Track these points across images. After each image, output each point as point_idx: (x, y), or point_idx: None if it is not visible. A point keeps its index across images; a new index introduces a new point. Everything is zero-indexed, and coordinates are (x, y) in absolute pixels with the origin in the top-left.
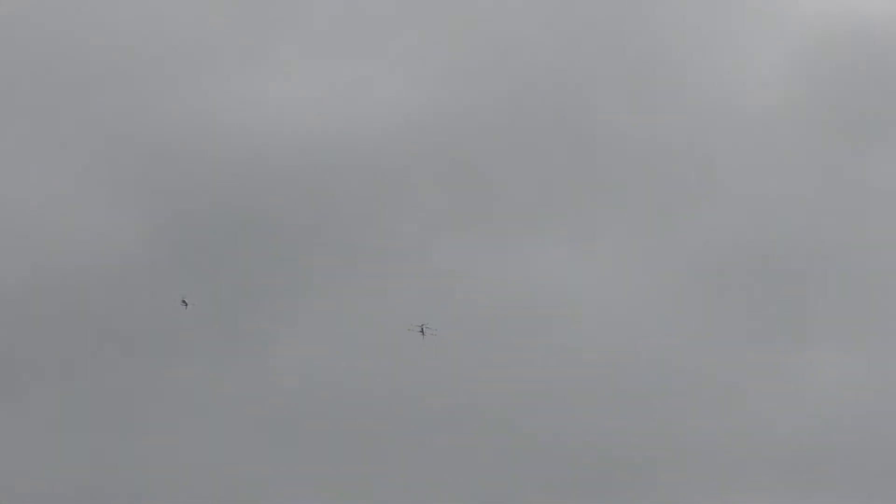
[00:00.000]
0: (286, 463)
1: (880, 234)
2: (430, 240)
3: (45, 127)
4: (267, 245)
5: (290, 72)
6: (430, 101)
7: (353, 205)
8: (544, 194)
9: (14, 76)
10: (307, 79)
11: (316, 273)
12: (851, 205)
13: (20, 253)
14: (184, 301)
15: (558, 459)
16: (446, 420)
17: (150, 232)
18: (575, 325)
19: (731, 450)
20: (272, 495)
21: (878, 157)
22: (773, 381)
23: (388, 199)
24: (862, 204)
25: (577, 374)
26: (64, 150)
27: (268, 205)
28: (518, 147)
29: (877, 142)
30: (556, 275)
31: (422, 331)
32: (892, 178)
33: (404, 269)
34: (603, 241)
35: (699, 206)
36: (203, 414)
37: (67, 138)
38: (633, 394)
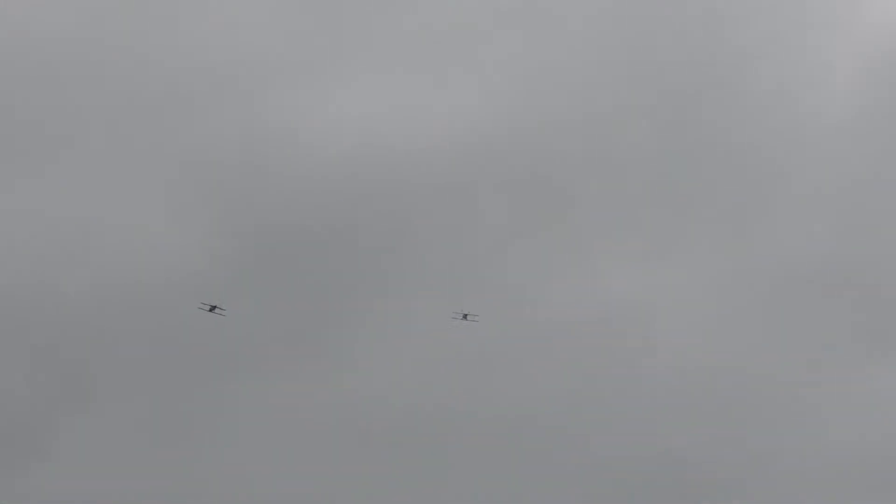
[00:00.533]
0: (358, 471)
1: None
2: (503, 251)
3: (121, 144)
4: (339, 258)
5: (363, 87)
6: (505, 115)
7: (427, 217)
8: (619, 207)
9: (90, 94)
10: (380, 93)
11: (389, 284)
12: None
13: (98, 268)
14: (212, 307)
15: (630, 471)
16: (519, 432)
17: (223, 246)
18: (649, 337)
19: (806, 460)
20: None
21: None
22: (849, 392)
23: (461, 211)
24: None
25: (651, 386)
26: (140, 166)
27: (340, 218)
28: (593, 160)
29: None
30: (630, 287)
31: (465, 317)
32: None
33: (478, 281)
34: (677, 253)
35: (775, 217)
36: (279, 425)
37: (144, 155)
38: (706, 405)
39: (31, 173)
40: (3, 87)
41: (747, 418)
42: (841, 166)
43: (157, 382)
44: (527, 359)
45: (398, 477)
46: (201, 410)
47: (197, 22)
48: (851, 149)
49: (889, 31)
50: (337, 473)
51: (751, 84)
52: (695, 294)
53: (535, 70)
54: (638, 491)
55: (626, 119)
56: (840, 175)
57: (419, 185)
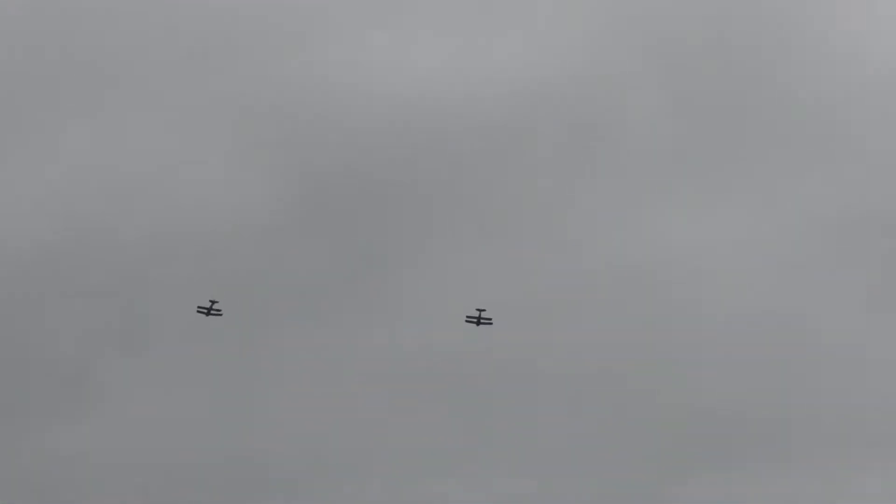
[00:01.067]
0: (407, 421)
1: None
2: (556, 202)
3: (181, 89)
4: (394, 206)
5: (418, 37)
6: (557, 64)
7: (480, 168)
8: (671, 156)
9: (152, 38)
10: (435, 43)
11: (443, 235)
12: None
13: (155, 214)
14: (209, 309)
15: (679, 423)
16: (568, 384)
17: (279, 196)
18: (700, 286)
19: (850, 415)
20: (398, 459)
21: None
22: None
23: (515, 162)
24: None
25: (700, 336)
26: (200, 112)
27: (396, 167)
28: (644, 109)
29: None
30: (682, 236)
31: (477, 322)
32: None
33: (531, 231)
34: (729, 203)
35: (826, 167)
36: (329, 371)
37: (204, 101)
38: (755, 356)
39: (90, 117)
40: (61, 30)
41: (795, 368)
42: None
43: (210, 328)
44: (579, 307)
45: (449, 428)
46: (253, 357)
47: None
48: None
49: None
50: (386, 422)
51: (805, 32)
52: (749, 242)
53: (590, 17)
54: (688, 442)
55: (682, 66)
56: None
57: (473, 134)
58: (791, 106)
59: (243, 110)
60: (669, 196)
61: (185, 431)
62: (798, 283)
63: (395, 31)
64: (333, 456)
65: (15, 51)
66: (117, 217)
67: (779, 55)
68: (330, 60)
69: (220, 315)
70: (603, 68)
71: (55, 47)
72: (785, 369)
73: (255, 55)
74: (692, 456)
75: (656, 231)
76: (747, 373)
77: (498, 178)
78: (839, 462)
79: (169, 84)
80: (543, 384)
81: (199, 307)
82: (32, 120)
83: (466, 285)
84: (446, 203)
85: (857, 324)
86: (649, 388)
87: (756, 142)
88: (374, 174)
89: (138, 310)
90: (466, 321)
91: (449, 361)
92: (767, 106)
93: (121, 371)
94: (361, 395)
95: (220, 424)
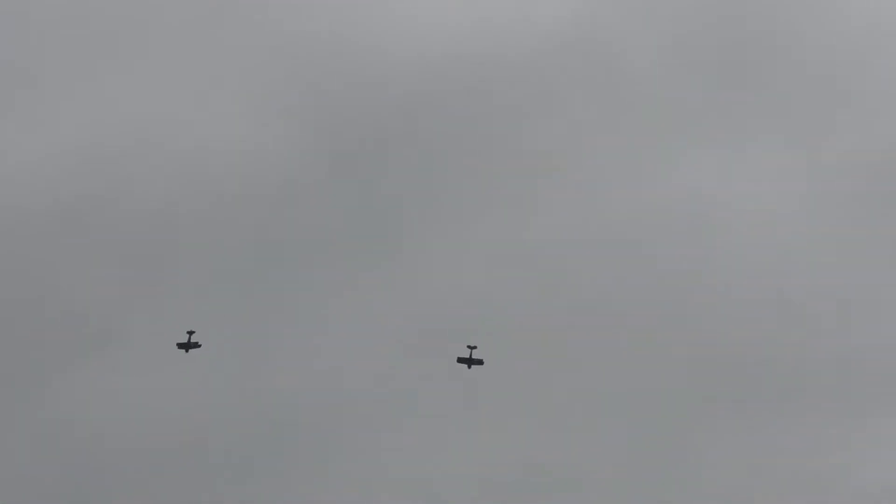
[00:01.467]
0: (442, 367)
1: None
2: (580, 145)
3: (199, 44)
4: (418, 156)
5: None
6: (580, 6)
7: (501, 114)
8: (698, 98)
9: None
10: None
11: (463, 184)
12: None
13: (176, 161)
14: (188, 345)
15: (701, 368)
16: (585, 331)
17: (304, 143)
18: (726, 231)
19: (876, 360)
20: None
21: None
22: None
23: (536, 107)
24: None
25: (721, 281)
26: (221, 61)
27: (420, 118)
28: (670, 50)
29: None
30: (709, 180)
31: (469, 364)
32: None
33: (554, 177)
34: (758, 145)
35: (855, 108)
36: (359, 317)
37: (225, 50)
38: (781, 303)
39: (110, 62)
40: None
41: (822, 316)
42: None
43: (236, 271)
44: (602, 252)
45: (483, 370)
46: (281, 301)
47: None
48: None
49: None
50: (416, 367)
51: None
52: (773, 184)
53: None
54: (708, 388)
55: (707, 9)
56: None
57: (494, 83)
58: (820, 44)
59: (267, 59)
60: (697, 139)
61: (206, 369)
62: (824, 227)
63: None
64: (354, 406)
65: (36, 3)
66: (138, 171)
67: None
68: (359, 12)
69: (199, 347)
70: (621, 5)
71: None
72: (808, 314)
73: (275, 10)
74: (711, 402)
75: (678, 175)
76: (769, 317)
77: (518, 123)
78: (861, 407)
79: (188, 37)
80: (560, 331)
81: (178, 343)
82: (58, 70)
83: (489, 233)
84: (467, 151)
85: (884, 269)
86: (667, 334)
87: (783, 82)
88: (393, 127)
89: (162, 261)
90: (458, 362)
91: (476, 306)
92: (797, 47)
93: (145, 318)
94: (385, 337)
95: (242, 370)
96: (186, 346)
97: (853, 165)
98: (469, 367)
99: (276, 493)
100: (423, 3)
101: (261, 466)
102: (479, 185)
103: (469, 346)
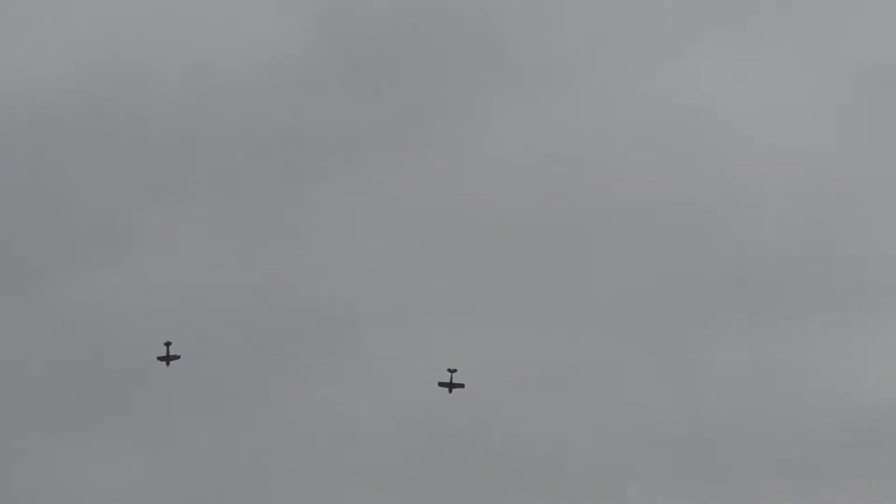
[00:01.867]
0: (456, 267)
1: None
2: (589, 55)
3: None
4: (427, 60)
5: None
6: None
7: (511, 22)
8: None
9: None
10: None
11: (474, 89)
12: None
13: (194, 51)
14: (168, 358)
15: (711, 272)
16: (596, 233)
17: (314, 42)
18: (736, 135)
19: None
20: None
21: None
22: None
23: (545, 15)
24: None
25: (738, 185)
26: None
27: (430, 22)
28: None
29: None
30: (719, 86)
31: (449, 388)
32: None
33: (563, 85)
34: (766, 50)
35: (866, 14)
36: (357, 226)
37: None
38: (789, 200)
39: None
40: None
41: (832, 213)
42: None
43: (249, 172)
44: (618, 155)
45: (500, 273)
46: (291, 202)
47: None
48: None
49: None
50: (434, 267)
51: None
52: (786, 90)
53: None
54: (719, 292)
55: None
56: None
57: None
58: None
59: None
60: (705, 45)
61: (214, 275)
62: (834, 131)
63: None
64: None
65: None
66: (150, 62)
67: None
68: None
69: (178, 359)
70: None
71: None
72: (821, 217)
73: None
74: (723, 306)
75: (690, 79)
76: (780, 221)
77: (529, 31)
78: (877, 313)
79: None
80: (573, 232)
81: (158, 357)
82: None
83: (500, 138)
84: (479, 54)
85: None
86: (679, 236)
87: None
88: (404, 27)
89: (174, 157)
90: (439, 386)
91: (477, 217)
92: None
93: (158, 216)
94: (402, 237)
95: (250, 268)
96: (166, 358)
97: (863, 68)
98: (450, 391)
99: (293, 382)
100: None
101: (279, 355)
102: (493, 88)
103: (449, 370)
